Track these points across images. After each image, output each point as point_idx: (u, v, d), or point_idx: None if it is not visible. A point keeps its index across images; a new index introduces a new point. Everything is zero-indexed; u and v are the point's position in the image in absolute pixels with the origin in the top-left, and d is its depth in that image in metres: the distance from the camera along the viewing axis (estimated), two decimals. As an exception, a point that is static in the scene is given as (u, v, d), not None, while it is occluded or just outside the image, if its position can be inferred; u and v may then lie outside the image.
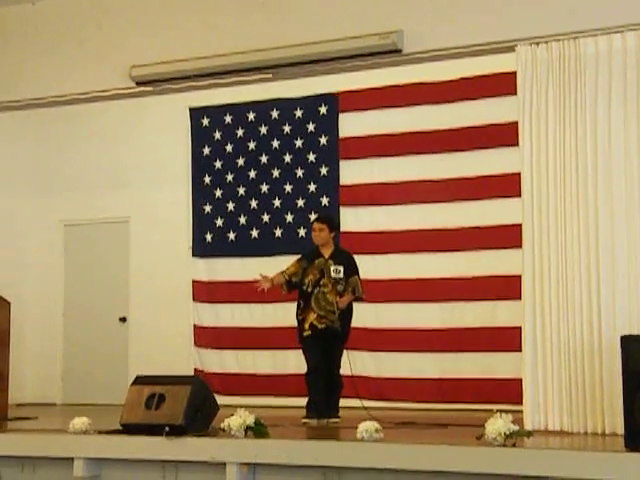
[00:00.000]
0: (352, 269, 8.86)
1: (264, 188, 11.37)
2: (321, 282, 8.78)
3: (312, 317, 8.73)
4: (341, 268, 8.80)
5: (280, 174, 11.30)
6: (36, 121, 12.09)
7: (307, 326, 8.75)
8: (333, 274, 8.78)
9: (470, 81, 10.19)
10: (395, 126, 10.64)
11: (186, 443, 7.06)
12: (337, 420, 8.51)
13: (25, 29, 9.85)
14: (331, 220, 9.18)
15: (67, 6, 9.73)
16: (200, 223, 11.66)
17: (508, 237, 9.26)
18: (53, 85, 9.69)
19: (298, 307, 8.89)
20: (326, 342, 8.70)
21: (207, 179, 11.65)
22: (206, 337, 11.45)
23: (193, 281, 11.59)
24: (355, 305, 8.91)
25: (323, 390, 8.65)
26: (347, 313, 8.83)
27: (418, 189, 10.49)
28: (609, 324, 7.31)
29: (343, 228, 10.78)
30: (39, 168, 12.46)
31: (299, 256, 9.02)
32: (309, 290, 8.78)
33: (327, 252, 8.90)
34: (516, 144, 7.94)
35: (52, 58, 9.67)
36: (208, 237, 11.61)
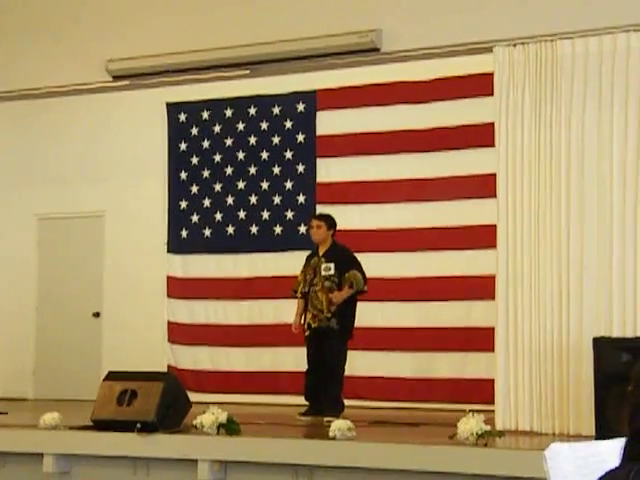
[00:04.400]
0: (348, 264, 8.73)
1: (240, 185, 11.33)
2: (314, 281, 8.75)
3: (309, 317, 8.73)
4: (331, 265, 8.70)
5: (257, 171, 11.27)
6: (11, 114, 11.98)
7: (306, 326, 8.77)
8: (323, 272, 8.71)
9: (448, 81, 10.19)
10: (372, 125, 10.64)
11: (158, 440, 7.04)
12: (331, 418, 8.22)
13: (1, 22, 9.78)
14: (329, 217, 9.07)
15: (44, -1, 9.68)
16: (176, 219, 11.61)
17: (484, 237, 9.27)
18: (29, 78, 9.63)
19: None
20: (321, 340, 8.66)
21: (183, 175, 11.61)
22: (180, 333, 11.41)
23: (168, 277, 11.54)
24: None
25: (317, 389, 8.61)
26: (347, 309, 8.71)
27: (394, 188, 10.49)
28: (580, 326, 7.35)
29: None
30: (13, 161, 12.36)
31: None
32: (306, 290, 8.77)
33: (322, 250, 8.86)
34: (492, 145, 7.96)
35: (28, 51, 9.61)
36: (183, 233, 11.56)
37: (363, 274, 8.76)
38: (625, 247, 7.35)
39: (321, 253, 8.84)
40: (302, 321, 8.82)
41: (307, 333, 8.76)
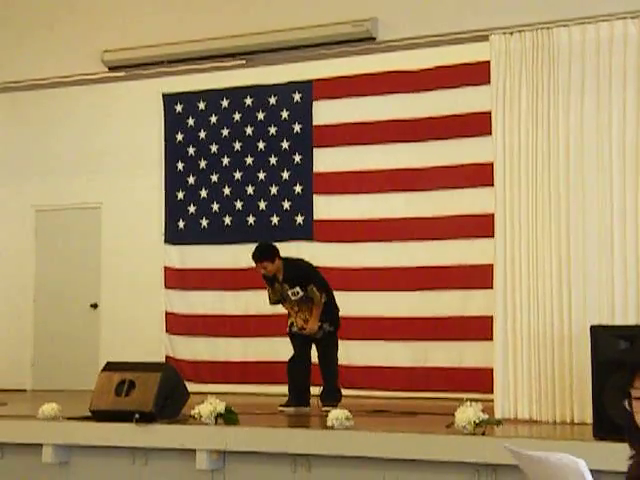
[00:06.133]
0: (304, 280, 8.58)
1: (237, 175, 11.32)
2: (286, 306, 8.69)
3: (300, 321, 8.64)
4: (297, 289, 8.53)
5: (253, 161, 11.26)
6: (8, 105, 11.96)
7: (289, 322, 8.74)
8: (293, 297, 8.57)
9: (444, 70, 10.17)
10: (369, 114, 10.62)
11: (156, 430, 7.04)
12: (329, 408, 8.21)
13: (-4, 12, 9.76)
14: (268, 252, 8.63)
15: (39, -11, 9.64)
16: (173, 210, 11.60)
17: (481, 226, 9.27)
18: (25, 69, 9.60)
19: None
20: (311, 339, 8.66)
21: (180, 165, 11.59)
22: (178, 324, 11.41)
23: (165, 268, 11.54)
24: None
25: (303, 379, 8.59)
26: (328, 311, 8.64)
27: (391, 177, 10.48)
28: (579, 314, 7.35)
29: (316, 216, 10.78)
30: (11, 153, 12.34)
31: (262, 275, 8.76)
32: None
33: (280, 277, 8.63)
34: (490, 133, 7.95)
35: (24, 42, 9.58)
36: (181, 224, 11.56)
37: (320, 282, 8.61)
38: (626, 235, 7.34)
39: (280, 279, 8.61)
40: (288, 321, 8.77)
41: (294, 329, 8.70)
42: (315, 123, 10.97)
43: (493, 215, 7.87)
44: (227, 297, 11.18)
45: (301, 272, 8.68)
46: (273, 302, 8.83)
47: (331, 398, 8.43)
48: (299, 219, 10.82)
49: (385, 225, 10.48)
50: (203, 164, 11.49)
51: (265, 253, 8.63)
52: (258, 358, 10.82)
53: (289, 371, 8.69)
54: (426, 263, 10.25)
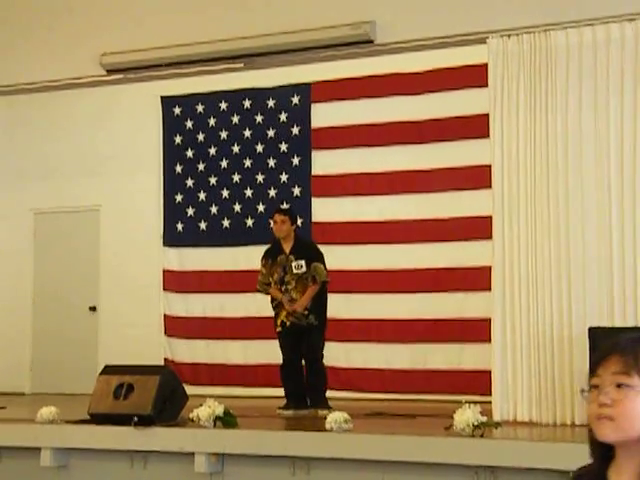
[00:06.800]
0: (313, 256, 8.65)
1: (236, 178, 11.32)
2: (285, 279, 8.65)
3: (282, 314, 8.64)
4: (302, 262, 8.58)
5: (252, 164, 11.26)
6: (6, 108, 11.96)
7: (279, 322, 8.70)
8: (295, 270, 8.59)
9: (442, 73, 10.18)
10: (367, 117, 10.62)
11: (155, 433, 7.04)
12: (326, 412, 8.24)
13: (-6, 15, 9.76)
14: (292, 212, 9.02)
15: (37, -8, 9.65)
16: (171, 212, 11.60)
17: (479, 228, 9.27)
18: (23, 72, 9.60)
19: (272, 301, 8.80)
20: (299, 336, 8.61)
21: (178, 168, 11.60)
22: (176, 327, 11.41)
23: (164, 270, 11.54)
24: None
25: (298, 382, 8.58)
26: (319, 303, 8.65)
27: (389, 180, 10.49)
28: (578, 316, 7.36)
29: (314, 218, 10.78)
30: (9, 156, 12.35)
31: (262, 256, 8.85)
32: (278, 288, 8.68)
33: (288, 246, 8.70)
34: (487, 136, 7.96)
35: (22, 44, 9.58)
36: (179, 227, 11.56)
37: (324, 265, 8.66)
38: (624, 236, 7.35)
39: (287, 250, 8.68)
40: (275, 315, 8.74)
41: (279, 330, 8.67)
42: (313, 126, 10.98)
43: (491, 217, 7.87)
44: (226, 300, 11.17)
45: (311, 248, 8.80)
46: (261, 285, 8.79)
47: (324, 404, 8.40)
48: (297, 221, 10.82)
49: (383, 227, 10.48)
50: (202, 167, 11.49)
51: (290, 211, 9.04)
52: (257, 361, 10.82)
53: (283, 377, 8.69)
54: (425, 265, 10.25)
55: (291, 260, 8.63)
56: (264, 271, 8.76)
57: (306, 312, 8.57)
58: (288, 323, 8.61)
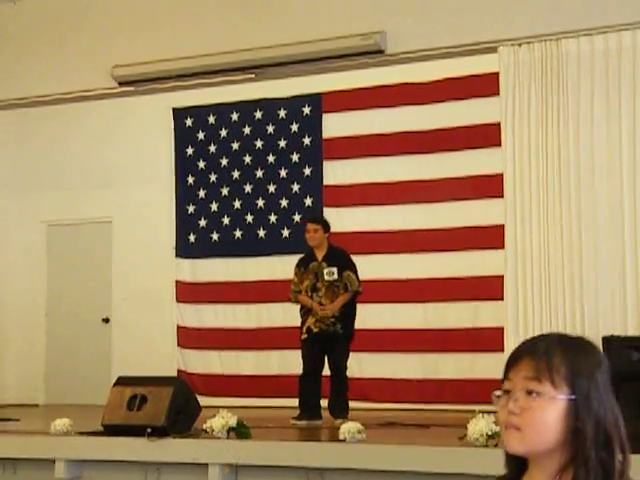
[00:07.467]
0: (345, 264, 8.67)
1: (248, 188, 11.34)
2: (316, 286, 8.65)
3: (310, 321, 8.61)
4: (334, 269, 8.60)
5: (264, 174, 11.28)
6: (18, 121, 12.02)
7: (305, 329, 8.67)
8: (327, 277, 8.60)
9: (453, 82, 10.18)
10: (378, 127, 10.64)
11: (168, 444, 7.03)
12: (340, 422, 8.12)
13: (6, 29, 9.81)
14: (325, 220, 9.03)
15: (49, 6, 9.69)
16: (183, 223, 11.63)
17: (491, 238, 9.27)
18: (35, 85, 9.65)
19: (301, 309, 8.79)
20: (324, 345, 8.58)
21: (190, 179, 11.62)
22: (189, 338, 11.42)
23: (176, 282, 11.56)
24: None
25: (315, 393, 8.55)
26: (349, 313, 8.63)
27: (401, 190, 10.49)
28: (592, 325, 7.33)
29: (326, 229, 10.79)
30: (22, 168, 12.40)
31: (295, 265, 8.87)
32: (308, 295, 8.69)
33: (320, 254, 8.73)
34: (499, 145, 7.95)
35: (34, 58, 9.63)
36: (191, 237, 11.58)
37: (357, 275, 8.69)
38: (637, 245, 7.33)
39: (320, 257, 8.71)
40: (302, 323, 8.74)
41: (305, 337, 8.66)
42: (325, 136, 10.99)
43: (503, 226, 7.86)
44: (238, 310, 11.18)
45: (344, 256, 8.78)
46: (293, 294, 8.78)
47: (344, 410, 8.42)
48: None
49: (395, 237, 10.48)
50: (213, 178, 11.52)
51: (322, 220, 9.04)
52: (270, 371, 10.82)
53: (301, 386, 8.66)
54: (437, 275, 10.24)
55: (323, 267, 8.66)
56: (296, 279, 8.78)
57: (333, 319, 8.56)
58: (315, 329, 8.58)
